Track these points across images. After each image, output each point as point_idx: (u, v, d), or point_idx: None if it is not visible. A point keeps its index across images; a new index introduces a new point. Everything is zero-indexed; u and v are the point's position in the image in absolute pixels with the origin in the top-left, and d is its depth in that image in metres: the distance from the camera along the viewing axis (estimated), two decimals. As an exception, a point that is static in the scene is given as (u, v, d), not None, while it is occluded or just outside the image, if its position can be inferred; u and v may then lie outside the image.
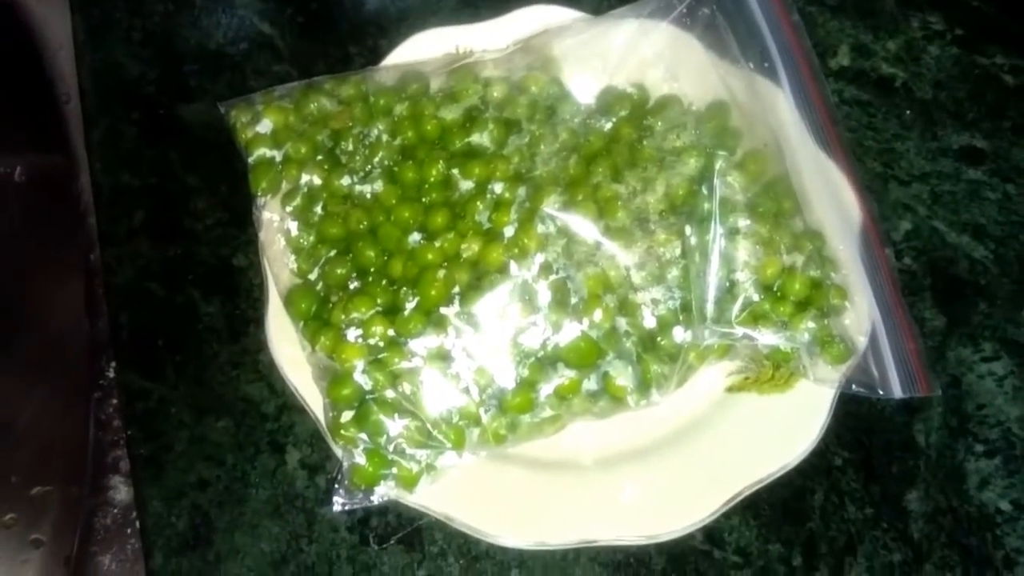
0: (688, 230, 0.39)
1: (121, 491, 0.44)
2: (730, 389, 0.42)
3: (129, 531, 0.43)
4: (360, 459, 0.37)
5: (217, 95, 0.51)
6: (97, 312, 0.48)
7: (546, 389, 0.38)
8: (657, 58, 0.46)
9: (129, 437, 0.43)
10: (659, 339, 0.39)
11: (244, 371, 0.45)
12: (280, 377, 0.41)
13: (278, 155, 0.43)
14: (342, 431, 0.37)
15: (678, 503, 0.39)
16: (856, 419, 0.43)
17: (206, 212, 0.48)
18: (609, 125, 0.43)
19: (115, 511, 0.43)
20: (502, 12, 0.49)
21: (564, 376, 0.38)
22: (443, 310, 0.38)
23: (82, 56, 0.53)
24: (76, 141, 0.52)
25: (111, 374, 0.46)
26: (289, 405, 0.43)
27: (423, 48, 0.48)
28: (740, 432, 0.40)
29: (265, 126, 0.43)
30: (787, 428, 0.40)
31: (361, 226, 0.41)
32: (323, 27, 0.54)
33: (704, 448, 0.40)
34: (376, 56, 0.52)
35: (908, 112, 0.51)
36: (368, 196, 0.42)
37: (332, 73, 0.46)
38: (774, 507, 0.42)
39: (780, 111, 0.44)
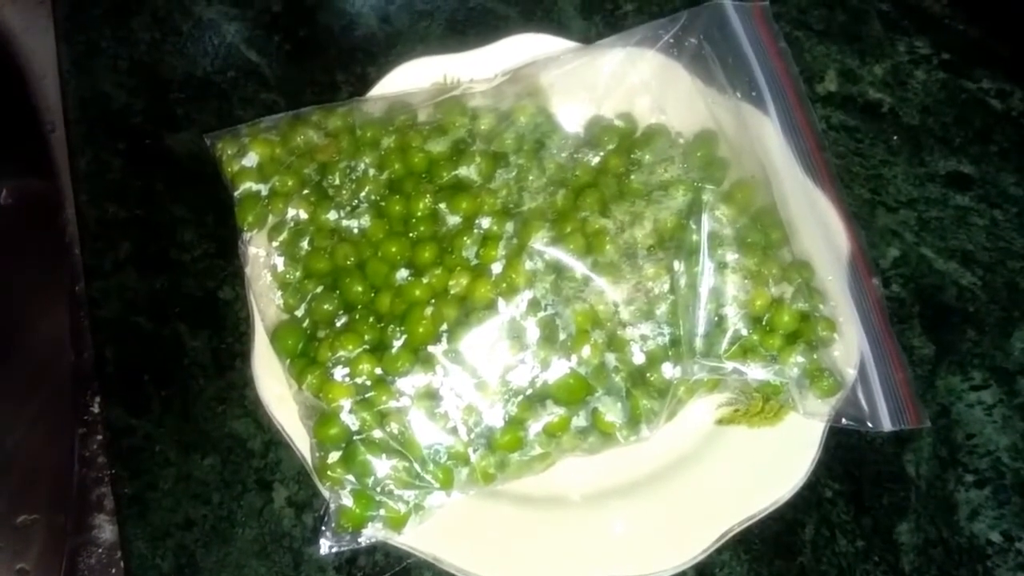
0: (676, 265, 0.39)
1: (106, 530, 0.43)
2: (720, 422, 0.42)
3: (114, 571, 0.42)
4: (347, 501, 0.37)
5: (204, 124, 0.51)
6: (82, 345, 0.47)
7: (535, 427, 0.38)
8: (644, 87, 0.46)
9: (114, 475, 0.43)
10: (648, 374, 0.39)
11: (230, 406, 0.44)
12: (267, 412, 0.41)
13: (264, 189, 0.42)
14: (329, 472, 0.37)
15: (669, 541, 0.38)
16: (846, 450, 0.43)
17: (193, 244, 0.48)
18: (597, 159, 0.43)
19: (99, 551, 0.43)
20: (490, 39, 0.49)
21: (553, 413, 0.38)
22: (431, 348, 0.38)
23: (67, 85, 0.53)
24: (62, 170, 0.52)
25: (96, 409, 0.46)
26: (276, 441, 0.43)
27: (411, 77, 0.47)
28: (731, 466, 0.40)
29: (251, 159, 0.43)
30: (778, 462, 0.40)
31: (348, 261, 0.41)
32: (310, 55, 0.53)
33: (695, 483, 0.40)
34: (364, 83, 0.52)
35: (895, 138, 0.51)
36: (355, 230, 0.41)
37: (319, 101, 0.46)
38: (765, 541, 0.41)
39: (767, 139, 0.44)
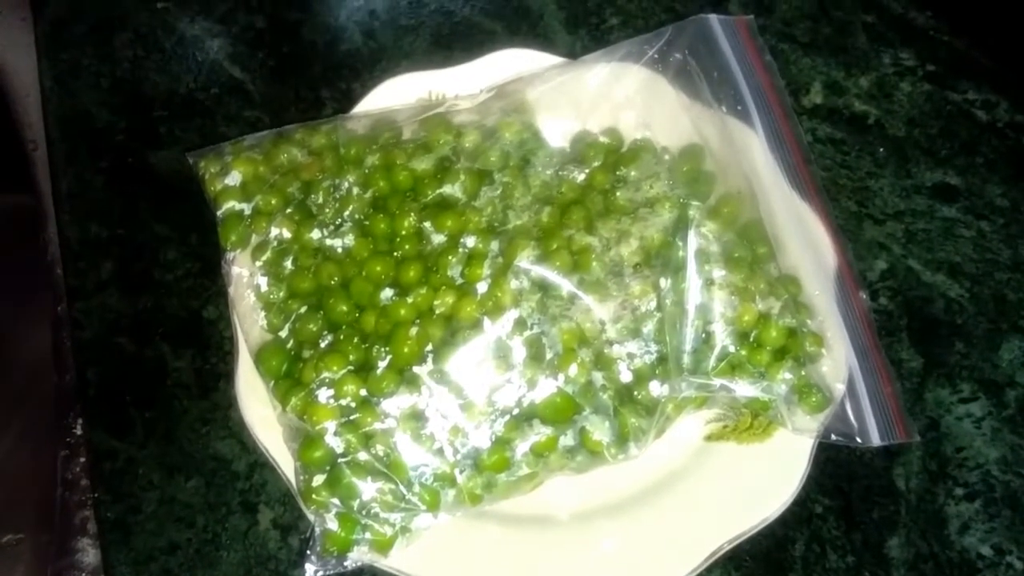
0: (663, 282, 0.39)
1: (89, 554, 0.42)
2: (708, 438, 0.42)
3: (97, 597, 0.42)
4: (332, 524, 0.36)
5: (187, 142, 0.50)
6: (64, 366, 0.47)
7: (522, 447, 0.37)
8: (629, 102, 0.45)
9: (96, 499, 0.42)
10: (636, 392, 0.38)
11: (215, 427, 0.44)
12: (251, 434, 0.40)
13: (247, 208, 0.42)
14: (314, 495, 0.36)
15: (659, 559, 0.38)
16: (836, 465, 0.43)
17: (176, 263, 0.48)
18: (582, 175, 0.42)
19: (83, 575, 0.42)
20: (475, 54, 0.48)
21: (540, 433, 0.37)
22: (416, 369, 0.37)
23: (49, 103, 0.52)
24: (44, 189, 0.51)
25: (78, 431, 0.45)
26: (261, 462, 0.43)
27: (396, 93, 0.47)
28: (720, 484, 0.40)
29: (234, 178, 0.43)
30: (767, 478, 0.40)
31: (333, 280, 0.40)
32: (294, 71, 0.53)
33: (683, 501, 0.40)
34: (349, 99, 0.51)
35: (881, 150, 0.51)
36: (339, 249, 0.41)
37: (304, 118, 0.46)
38: (756, 558, 0.41)
39: (753, 154, 0.44)
